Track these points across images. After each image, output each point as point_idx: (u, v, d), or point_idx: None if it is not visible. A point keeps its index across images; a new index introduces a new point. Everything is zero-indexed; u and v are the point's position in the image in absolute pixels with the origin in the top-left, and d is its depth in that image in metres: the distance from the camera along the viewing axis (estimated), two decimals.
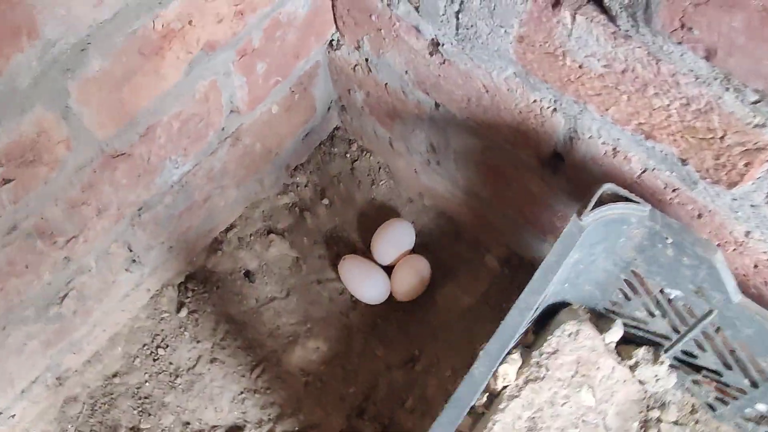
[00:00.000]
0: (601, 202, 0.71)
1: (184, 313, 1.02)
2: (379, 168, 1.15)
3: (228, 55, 0.80)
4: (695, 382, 0.87)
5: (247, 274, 1.06)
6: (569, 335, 0.85)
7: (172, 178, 0.86)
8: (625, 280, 0.80)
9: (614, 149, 0.75)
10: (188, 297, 1.03)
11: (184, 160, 0.85)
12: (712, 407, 0.88)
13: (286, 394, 0.99)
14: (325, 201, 1.13)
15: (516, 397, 0.81)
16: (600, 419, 0.83)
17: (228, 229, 1.08)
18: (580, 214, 0.70)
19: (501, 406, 0.81)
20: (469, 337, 1.01)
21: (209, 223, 1.03)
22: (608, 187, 0.71)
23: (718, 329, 0.78)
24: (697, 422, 0.89)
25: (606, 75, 0.68)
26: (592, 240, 0.72)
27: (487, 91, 0.82)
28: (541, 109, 0.78)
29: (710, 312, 0.73)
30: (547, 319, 0.89)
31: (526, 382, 0.82)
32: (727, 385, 0.82)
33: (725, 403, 0.85)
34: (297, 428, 0.97)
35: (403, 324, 1.04)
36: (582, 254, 0.74)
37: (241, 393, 0.99)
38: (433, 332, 1.03)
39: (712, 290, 0.70)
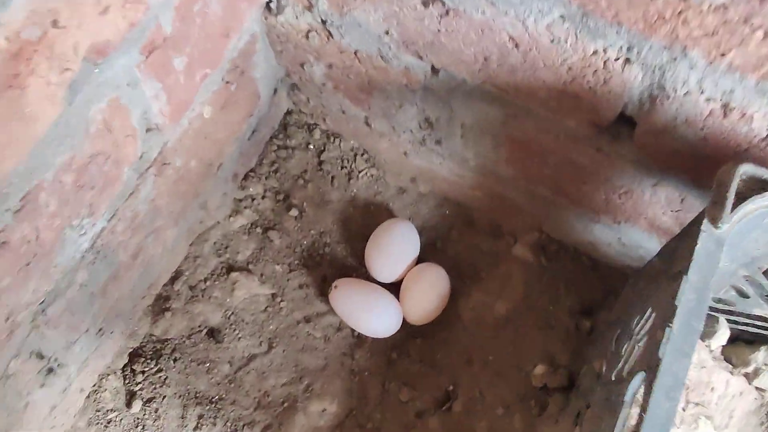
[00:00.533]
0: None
1: (137, 406, 0.75)
2: (355, 155, 0.89)
3: (129, 57, 0.52)
4: None
5: (211, 333, 0.80)
6: None
7: (80, 248, 0.58)
8: (745, 276, 0.58)
9: (725, 106, 0.51)
10: (138, 383, 0.76)
11: (92, 220, 0.58)
12: None
13: None
14: (293, 211, 0.86)
15: None
16: None
17: (174, 279, 0.81)
18: (714, 219, 0.47)
19: None
20: (516, 356, 0.79)
21: (147, 278, 0.76)
22: (746, 170, 0.47)
23: None
24: None
25: (731, 5, 0.43)
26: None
27: (516, 46, 0.57)
28: (604, 63, 0.54)
29: None
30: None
31: None
32: None
33: None
34: None
35: (426, 353, 0.81)
36: None
37: None
38: (466, 355, 0.80)
39: None
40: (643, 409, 0.45)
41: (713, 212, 0.48)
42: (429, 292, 0.80)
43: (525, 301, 0.81)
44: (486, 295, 0.82)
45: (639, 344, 0.56)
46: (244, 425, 0.77)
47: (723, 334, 0.66)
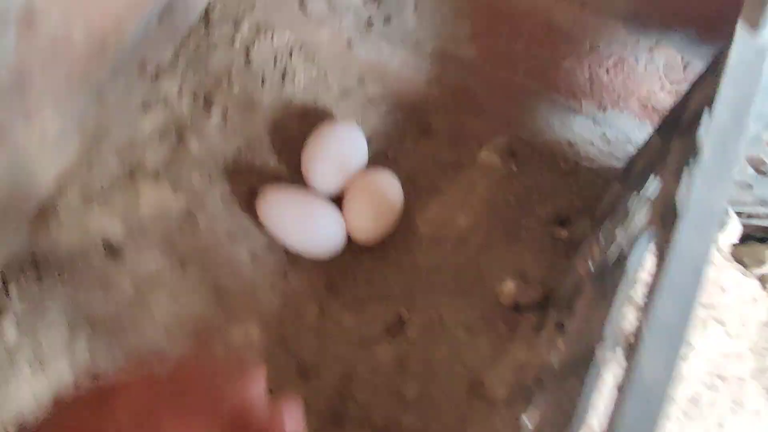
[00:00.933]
0: None
1: (10, 329, 0.60)
2: (291, 51, 0.75)
3: None
4: None
5: (111, 249, 0.65)
6: None
7: None
8: None
9: None
10: (14, 303, 0.61)
11: None
12: None
13: None
14: (215, 115, 0.73)
15: None
16: (742, 366, 0.51)
17: (63, 184, 0.66)
18: (753, 22, 0.36)
19: None
20: (480, 273, 0.67)
21: (21, 174, 0.61)
22: None
23: None
24: None
25: None
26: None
27: None
28: None
29: None
30: None
31: None
32: None
33: None
34: None
35: (376, 276, 0.68)
36: None
37: None
38: (423, 276, 0.67)
39: None
40: (661, 254, 0.33)
41: (750, 14, 0.37)
42: (377, 204, 0.67)
43: (491, 212, 0.69)
44: (445, 208, 0.70)
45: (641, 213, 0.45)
46: (149, 353, 0.62)
47: (734, 229, 0.55)
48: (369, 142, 0.72)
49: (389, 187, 0.68)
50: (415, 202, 0.70)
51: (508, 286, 0.64)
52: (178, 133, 0.71)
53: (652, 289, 0.32)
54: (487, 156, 0.70)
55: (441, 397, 0.63)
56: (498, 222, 0.69)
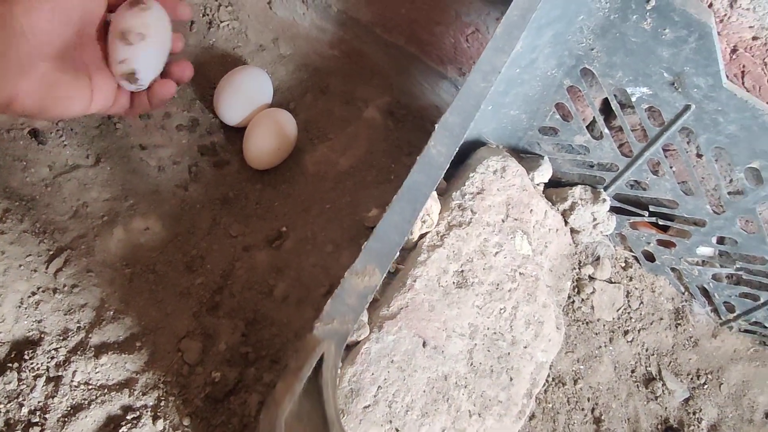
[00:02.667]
0: None
1: None
2: (219, 5, 0.88)
3: None
4: (634, 226, 0.73)
5: (35, 133, 0.74)
6: (494, 172, 0.66)
7: None
8: (570, 88, 0.63)
9: None
10: None
11: None
12: (649, 257, 0.75)
13: (102, 292, 0.70)
14: None
15: (439, 246, 0.61)
16: (539, 271, 0.66)
17: None
18: None
19: (421, 258, 0.60)
20: (350, 206, 0.79)
21: None
22: None
23: (689, 140, 0.64)
24: (631, 279, 0.76)
25: None
26: (547, 14, 0.54)
27: None
28: None
29: (686, 110, 0.58)
30: (456, 164, 0.70)
31: (449, 229, 0.62)
32: (668, 227, 0.70)
33: (667, 246, 0.72)
34: (122, 336, 0.68)
35: (265, 197, 0.79)
36: (525, 45, 0.55)
37: (34, 294, 0.68)
38: (305, 204, 0.79)
39: (696, 75, 0.55)
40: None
41: None
42: (275, 137, 0.79)
43: (368, 158, 0.83)
44: (331, 151, 0.83)
45: None
46: (54, 229, 0.71)
47: (546, 170, 0.70)
48: (275, 93, 0.84)
49: (285, 124, 0.80)
50: (307, 145, 0.83)
51: (373, 212, 0.77)
52: None
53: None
54: (371, 113, 0.84)
55: (305, 297, 0.74)
56: (372, 167, 0.82)
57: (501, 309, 0.62)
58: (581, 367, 0.72)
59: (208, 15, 0.87)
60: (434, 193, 0.63)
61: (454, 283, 0.61)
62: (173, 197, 0.77)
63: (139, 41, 0.46)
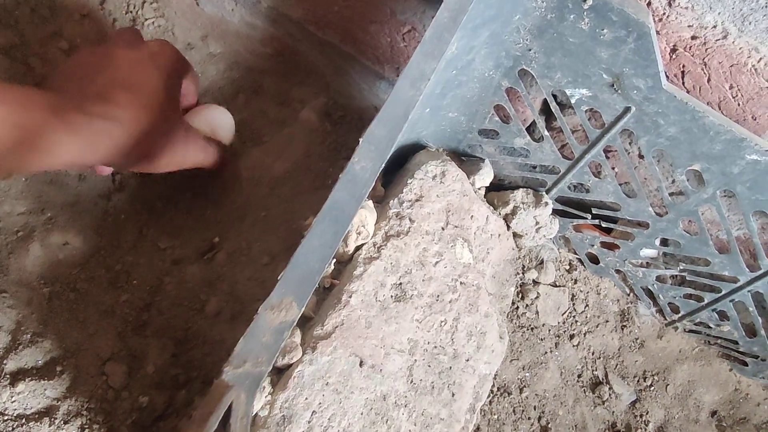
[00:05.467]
0: None
1: None
2: (144, 2, 0.83)
3: None
4: (577, 229, 0.72)
5: None
6: (433, 177, 0.64)
7: None
8: (508, 90, 0.61)
9: None
10: None
11: None
12: (593, 260, 0.74)
13: (18, 314, 0.65)
14: (63, 44, 0.78)
15: (376, 259, 0.58)
16: (481, 279, 0.63)
17: None
18: None
19: (357, 272, 0.57)
20: (287, 213, 0.76)
21: None
22: None
23: (630, 141, 0.63)
24: (575, 281, 0.74)
25: None
26: (482, 14, 0.51)
27: None
28: None
29: (626, 112, 0.56)
30: (395, 169, 0.67)
31: (387, 239, 0.60)
32: (612, 229, 0.68)
33: (611, 249, 0.71)
34: (41, 360, 0.63)
35: (196, 205, 0.75)
36: (460, 47, 0.53)
37: None
38: (239, 212, 0.75)
39: (636, 76, 0.53)
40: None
41: None
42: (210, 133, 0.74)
43: (304, 162, 0.79)
44: (266, 155, 0.79)
45: None
46: None
47: (487, 174, 0.68)
48: (205, 94, 0.80)
49: (218, 121, 0.74)
50: (241, 149, 0.79)
51: (310, 220, 0.73)
52: (23, 57, 0.76)
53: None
54: (307, 114, 0.80)
55: (239, 313, 0.70)
56: (309, 171, 0.78)
57: (442, 321, 0.59)
58: (527, 374, 0.71)
59: (131, 12, 0.82)
60: (369, 203, 0.60)
61: (392, 296, 0.58)
62: (95, 208, 0.72)
63: None
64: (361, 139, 0.40)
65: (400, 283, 0.59)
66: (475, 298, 0.62)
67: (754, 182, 0.55)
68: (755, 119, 0.58)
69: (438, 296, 0.60)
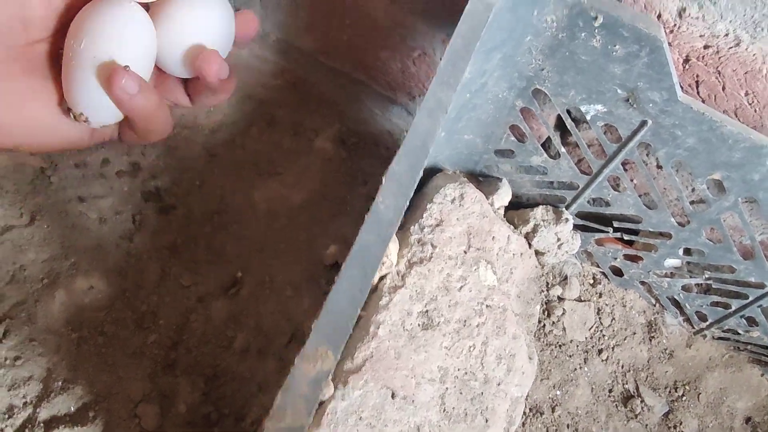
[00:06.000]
0: None
1: None
2: None
3: None
4: (599, 243, 0.71)
5: None
6: (452, 201, 0.64)
7: None
8: (523, 110, 0.61)
9: None
10: None
11: None
12: (617, 272, 0.73)
13: (48, 361, 0.65)
14: None
15: (400, 287, 0.58)
16: (506, 300, 0.63)
17: None
18: None
19: (383, 302, 0.57)
20: (309, 242, 0.76)
21: None
22: None
23: (648, 153, 0.63)
24: (600, 295, 0.74)
25: None
26: (494, 38, 0.51)
27: None
28: None
29: (642, 125, 0.56)
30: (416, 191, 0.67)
31: (410, 266, 0.60)
32: (634, 241, 0.68)
33: (634, 261, 0.70)
34: (74, 407, 0.64)
35: (216, 240, 0.75)
36: (474, 71, 0.53)
37: None
38: (259, 245, 0.76)
39: (650, 90, 0.53)
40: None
41: None
42: None
43: (321, 190, 0.79)
44: (283, 186, 0.79)
45: None
46: None
47: (505, 193, 0.68)
48: (220, 128, 0.80)
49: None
50: (257, 181, 0.79)
51: (331, 249, 0.74)
52: None
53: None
54: (321, 143, 0.81)
55: (266, 348, 0.70)
56: (326, 199, 0.79)
57: (470, 347, 0.59)
58: (558, 393, 0.70)
59: None
60: None
61: (419, 325, 0.58)
62: (117, 250, 0.72)
63: None
64: (384, 178, 0.40)
65: (426, 311, 0.59)
66: (501, 320, 0.61)
67: None
68: None
69: (465, 321, 0.60)
